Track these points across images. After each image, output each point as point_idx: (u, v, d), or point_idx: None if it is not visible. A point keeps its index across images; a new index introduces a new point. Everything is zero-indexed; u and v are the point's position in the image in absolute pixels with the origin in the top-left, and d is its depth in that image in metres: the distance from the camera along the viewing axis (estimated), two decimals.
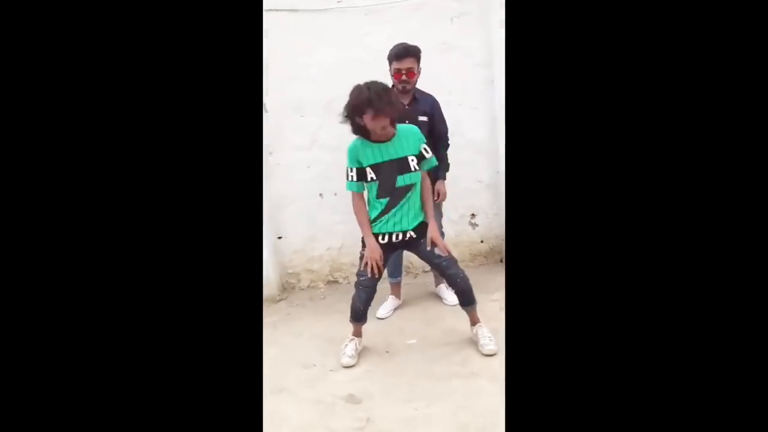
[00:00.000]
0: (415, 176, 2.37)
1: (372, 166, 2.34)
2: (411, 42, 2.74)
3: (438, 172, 2.83)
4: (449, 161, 2.98)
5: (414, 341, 2.73)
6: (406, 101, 2.78)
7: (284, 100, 3.39)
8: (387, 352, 2.65)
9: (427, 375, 2.37)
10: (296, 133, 3.46)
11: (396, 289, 3.18)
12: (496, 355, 2.45)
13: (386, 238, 2.43)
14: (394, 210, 2.38)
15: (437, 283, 3.25)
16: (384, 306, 3.10)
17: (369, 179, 2.36)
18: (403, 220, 2.40)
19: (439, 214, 3.00)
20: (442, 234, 2.74)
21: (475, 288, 2.54)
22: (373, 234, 2.42)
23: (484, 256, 3.73)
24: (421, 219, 2.44)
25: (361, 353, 2.63)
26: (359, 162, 2.35)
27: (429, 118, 2.82)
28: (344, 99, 2.27)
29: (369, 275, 2.42)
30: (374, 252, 2.40)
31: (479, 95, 3.47)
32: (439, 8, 3.38)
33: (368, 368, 2.52)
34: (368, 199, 2.45)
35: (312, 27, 3.34)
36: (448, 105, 3.07)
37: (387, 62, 2.75)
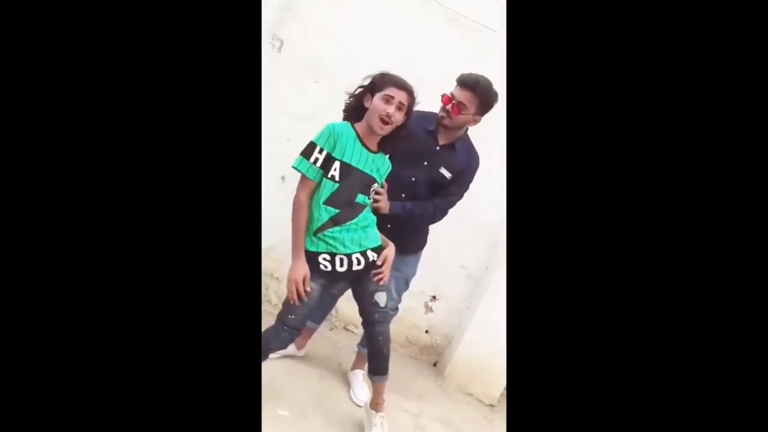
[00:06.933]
0: (367, 200, 1.90)
1: (343, 164, 1.79)
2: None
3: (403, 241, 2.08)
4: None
5: (286, 414, 2.07)
6: (442, 141, 2.14)
7: None
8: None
9: None
10: None
11: (305, 335, 2.40)
12: None
13: (330, 263, 1.83)
14: (349, 224, 1.82)
15: (354, 366, 2.44)
16: None
17: (330, 176, 1.79)
18: (361, 238, 1.86)
19: (405, 284, 2.34)
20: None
21: (391, 382, 2.01)
22: (314, 253, 1.83)
23: (420, 350, 3.04)
24: (379, 242, 1.91)
25: None
26: (333, 147, 1.78)
27: (452, 179, 2.13)
28: None
29: (291, 303, 1.80)
30: (299, 271, 1.80)
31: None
32: None
33: None
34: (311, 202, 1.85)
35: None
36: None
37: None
